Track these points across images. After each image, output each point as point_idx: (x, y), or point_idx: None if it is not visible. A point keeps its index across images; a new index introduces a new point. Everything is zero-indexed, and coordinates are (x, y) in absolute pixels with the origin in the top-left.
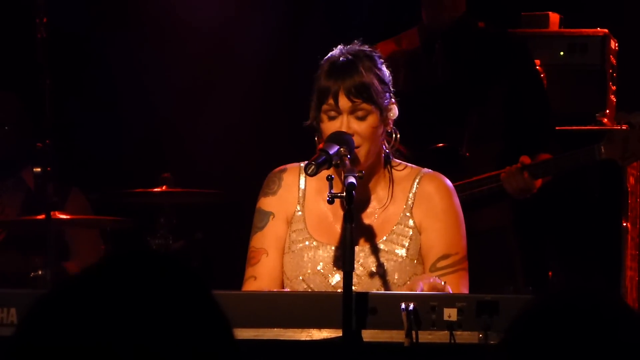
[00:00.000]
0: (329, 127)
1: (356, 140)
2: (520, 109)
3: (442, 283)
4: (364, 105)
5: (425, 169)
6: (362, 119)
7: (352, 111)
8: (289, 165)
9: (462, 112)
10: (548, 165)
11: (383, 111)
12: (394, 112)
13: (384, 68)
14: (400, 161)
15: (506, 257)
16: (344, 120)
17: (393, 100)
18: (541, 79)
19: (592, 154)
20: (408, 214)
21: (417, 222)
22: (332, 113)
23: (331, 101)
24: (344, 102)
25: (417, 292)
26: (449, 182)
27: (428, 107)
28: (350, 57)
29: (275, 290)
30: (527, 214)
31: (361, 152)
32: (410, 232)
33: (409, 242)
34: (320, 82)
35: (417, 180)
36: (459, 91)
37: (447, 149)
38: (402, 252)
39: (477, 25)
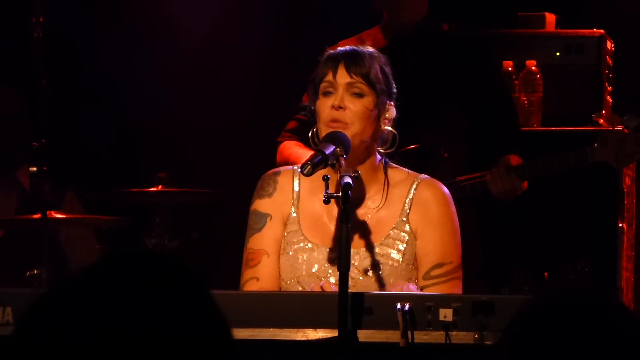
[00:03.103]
0: (323, 103)
1: (346, 116)
2: (484, 111)
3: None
4: (362, 85)
5: (423, 175)
6: (357, 96)
7: (348, 88)
8: (282, 168)
9: (429, 114)
10: (537, 166)
11: (379, 101)
12: (391, 112)
13: (387, 69)
14: (396, 165)
15: (471, 260)
16: (339, 95)
17: (392, 103)
18: (504, 80)
19: (584, 156)
20: (404, 219)
21: (413, 228)
22: (329, 89)
23: (329, 77)
24: (342, 77)
25: (413, 292)
26: (446, 189)
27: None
28: (355, 47)
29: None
30: (490, 218)
31: (350, 132)
32: (407, 238)
33: (405, 247)
34: (320, 66)
35: (414, 186)
36: (427, 93)
37: (423, 150)
38: (397, 256)
39: (441, 27)
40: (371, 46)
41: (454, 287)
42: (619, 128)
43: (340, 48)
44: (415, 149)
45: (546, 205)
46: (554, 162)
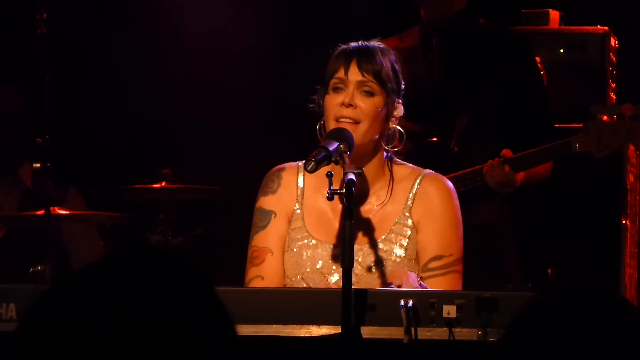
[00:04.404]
0: (333, 98)
1: (357, 114)
2: (517, 107)
3: (418, 281)
4: (373, 84)
5: (427, 170)
6: (368, 94)
7: (359, 86)
8: (286, 164)
9: (455, 108)
10: (527, 158)
11: (389, 100)
12: (399, 111)
13: (398, 66)
14: (401, 161)
15: (498, 253)
16: (349, 92)
17: (400, 100)
18: (541, 77)
19: (567, 146)
20: (407, 213)
21: (415, 221)
22: (339, 85)
23: (341, 73)
24: (354, 74)
25: (417, 289)
26: (450, 183)
27: (423, 102)
28: (367, 43)
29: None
30: (525, 210)
31: (359, 129)
32: (409, 232)
33: (407, 242)
34: (332, 61)
35: (418, 181)
36: (454, 87)
37: (436, 144)
38: (400, 252)
39: (477, 22)
40: (407, 44)
41: (453, 280)
42: (605, 119)
43: (353, 44)
44: (425, 143)
45: (550, 202)
46: (541, 154)
